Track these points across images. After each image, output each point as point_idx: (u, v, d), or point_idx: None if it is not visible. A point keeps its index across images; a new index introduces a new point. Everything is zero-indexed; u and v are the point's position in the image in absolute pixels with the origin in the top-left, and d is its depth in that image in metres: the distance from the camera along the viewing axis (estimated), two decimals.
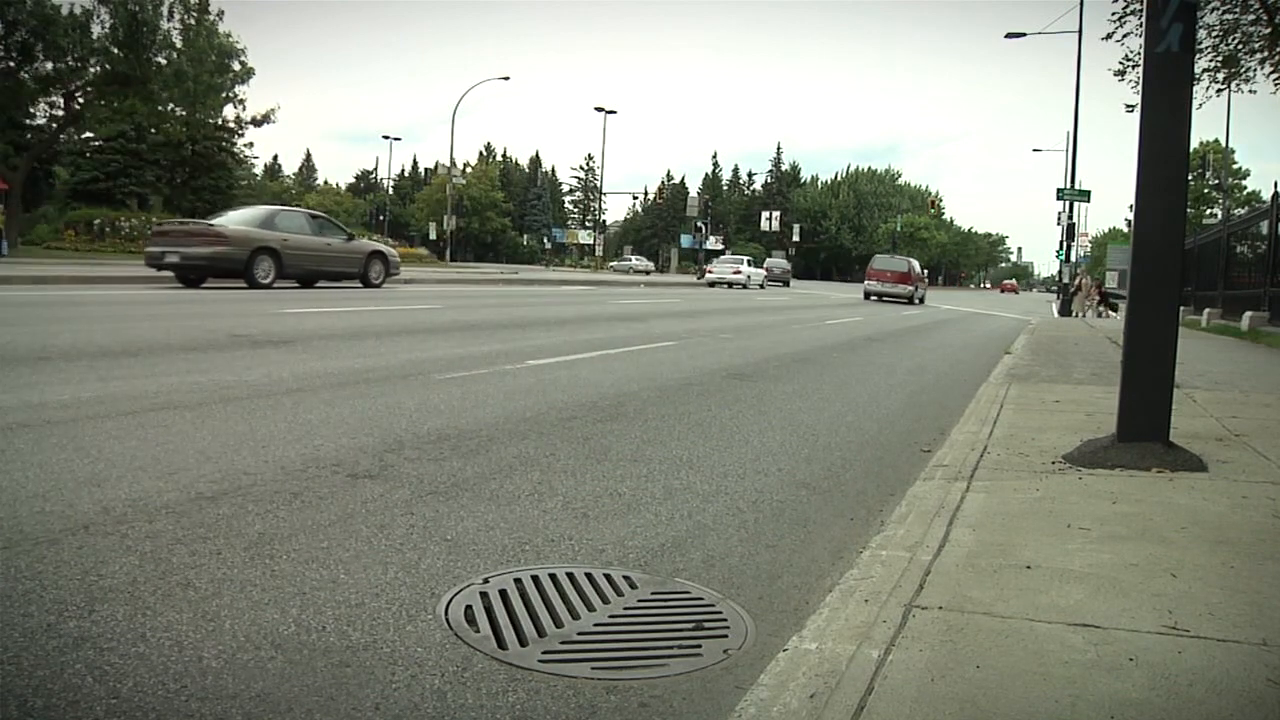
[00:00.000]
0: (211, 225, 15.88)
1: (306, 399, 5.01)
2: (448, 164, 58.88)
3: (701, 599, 2.49)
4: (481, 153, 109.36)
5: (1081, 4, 26.99)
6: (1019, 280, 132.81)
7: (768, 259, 63.16)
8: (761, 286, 39.75)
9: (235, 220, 16.37)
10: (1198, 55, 16.93)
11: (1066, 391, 6.59)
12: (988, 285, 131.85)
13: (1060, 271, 33.97)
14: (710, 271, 40.79)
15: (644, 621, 2.31)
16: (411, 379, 5.97)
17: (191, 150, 50.07)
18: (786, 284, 48.84)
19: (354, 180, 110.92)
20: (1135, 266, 3.97)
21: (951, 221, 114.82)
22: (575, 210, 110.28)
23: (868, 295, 31.99)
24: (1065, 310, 28.73)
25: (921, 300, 32.25)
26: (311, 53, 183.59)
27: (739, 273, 39.18)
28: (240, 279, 15.19)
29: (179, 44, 35.81)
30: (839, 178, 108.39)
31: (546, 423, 4.78)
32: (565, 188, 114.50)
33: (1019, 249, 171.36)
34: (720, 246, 78.36)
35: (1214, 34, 17.92)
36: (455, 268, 42.89)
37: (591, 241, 78.77)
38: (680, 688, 1.99)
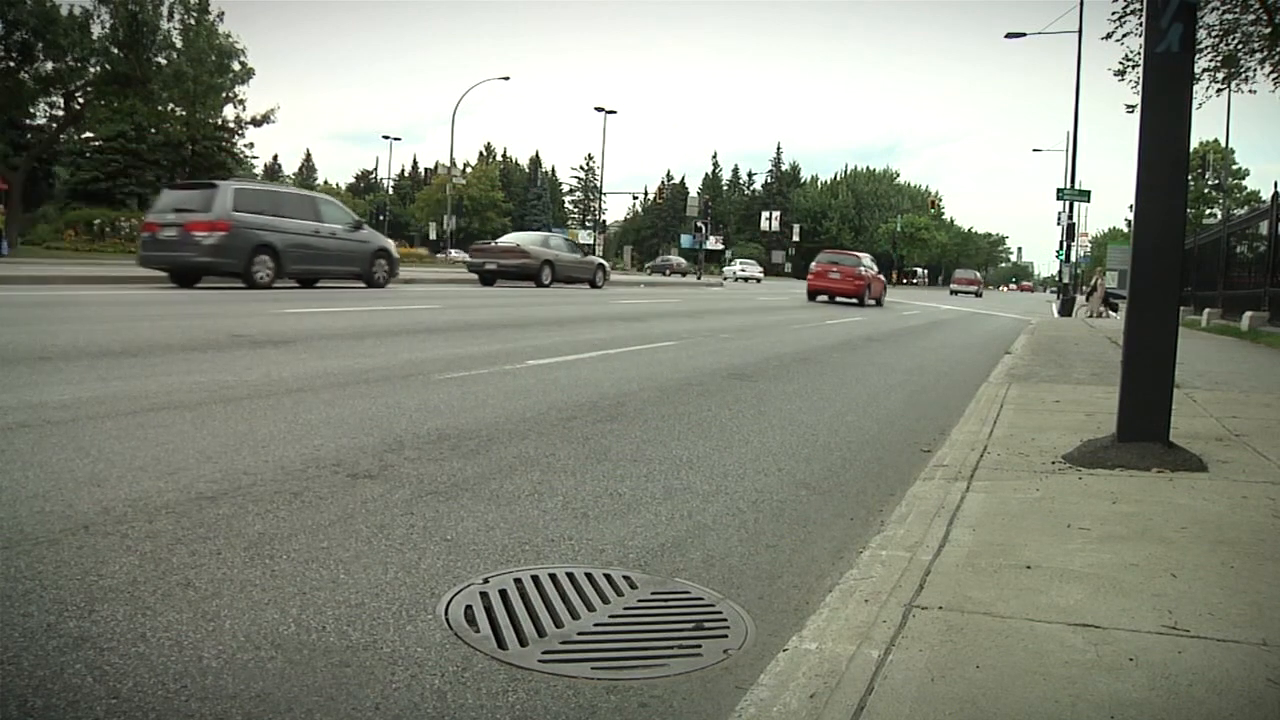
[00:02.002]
0: (519, 245, 23.43)
1: (306, 399, 5.01)
2: (448, 164, 58.94)
3: (701, 599, 2.49)
4: (481, 153, 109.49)
5: (1081, 4, 26.96)
6: (1019, 280, 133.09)
7: (738, 261, 64.97)
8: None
9: (524, 240, 24.42)
10: (1198, 55, 16.93)
11: (1066, 391, 6.59)
12: (1013, 285, 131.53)
13: (1060, 271, 33.97)
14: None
15: (644, 621, 2.31)
16: (412, 379, 5.97)
17: (191, 150, 50.06)
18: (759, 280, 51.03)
19: (354, 180, 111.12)
20: (1135, 266, 3.97)
21: (952, 221, 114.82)
22: (575, 210, 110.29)
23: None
24: (1065, 310, 28.72)
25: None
26: (311, 53, 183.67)
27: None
28: (530, 281, 22.58)
29: (179, 44, 35.84)
30: (838, 177, 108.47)
31: (547, 423, 4.78)
32: (565, 188, 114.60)
33: (1019, 249, 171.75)
34: (720, 246, 78.56)
35: (1214, 34, 17.92)
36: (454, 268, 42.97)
37: (591, 241, 78.78)
38: (680, 688, 1.99)
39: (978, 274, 63.96)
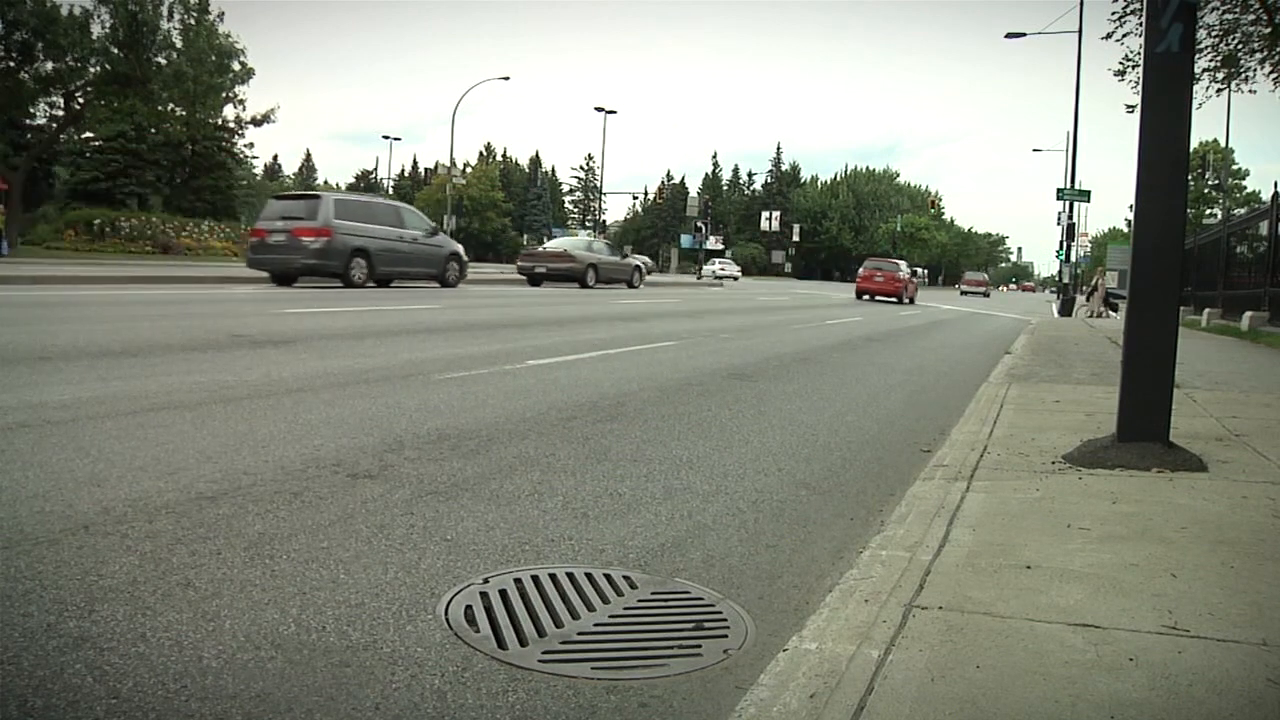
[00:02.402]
0: (566, 250, 25.35)
1: (306, 399, 5.01)
2: (448, 164, 58.88)
3: (701, 599, 2.49)
4: (481, 153, 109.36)
5: (1081, 4, 26.96)
6: (1020, 280, 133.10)
7: (716, 261, 65.44)
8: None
9: (569, 245, 26.67)
10: (1198, 55, 16.93)
11: (1066, 391, 6.60)
12: (1014, 285, 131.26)
13: (1060, 271, 33.96)
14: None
15: (644, 621, 2.31)
16: (412, 379, 5.97)
17: (191, 150, 50.10)
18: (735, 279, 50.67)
19: (354, 180, 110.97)
20: (1135, 267, 3.97)
21: (952, 221, 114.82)
22: (575, 210, 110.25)
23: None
24: (1065, 310, 28.71)
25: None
26: (311, 53, 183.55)
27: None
28: (576, 283, 24.38)
29: (179, 44, 35.84)
30: (838, 177, 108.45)
31: (547, 423, 4.78)
32: (565, 188, 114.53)
33: (1019, 249, 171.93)
34: (720, 246, 78.54)
35: (1214, 34, 17.92)
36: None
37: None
38: (680, 688, 1.99)
39: (985, 275, 71.91)
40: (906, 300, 30.64)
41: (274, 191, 76.87)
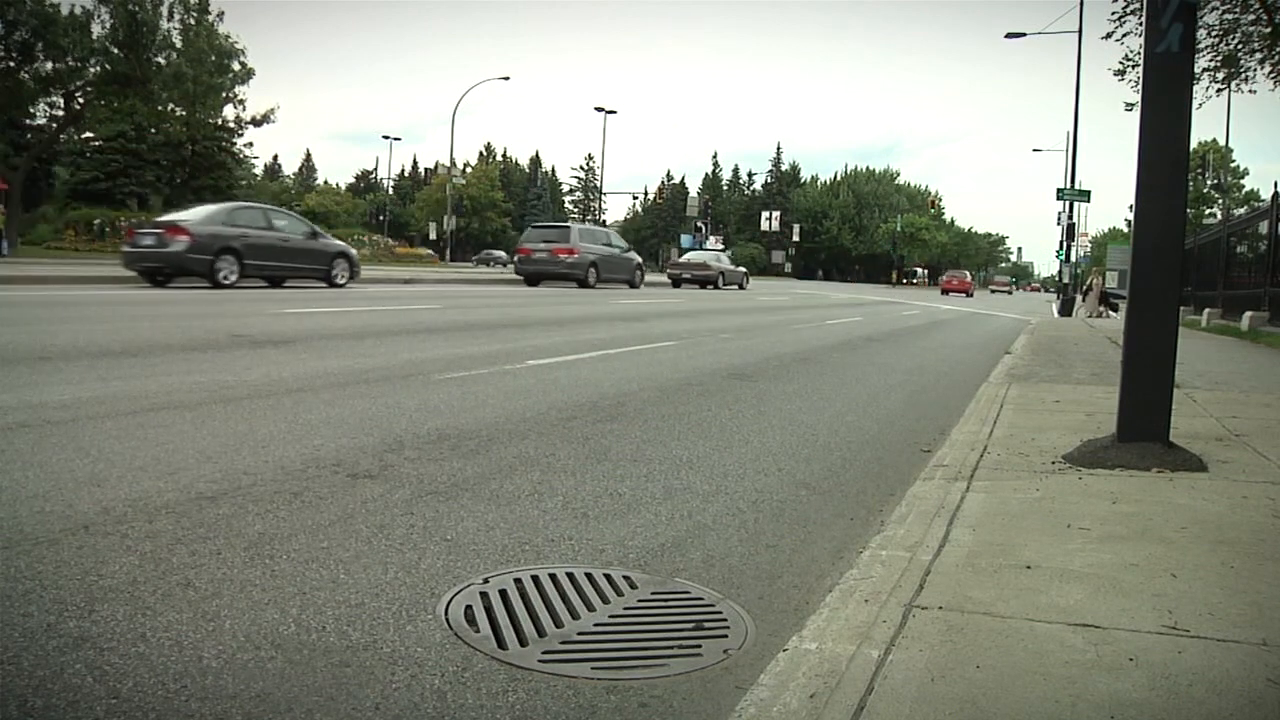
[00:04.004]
0: (705, 262, 32.72)
1: (306, 399, 5.01)
2: (448, 164, 58.88)
3: (701, 599, 2.49)
4: (481, 153, 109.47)
5: (1081, 4, 26.99)
6: (1019, 280, 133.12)
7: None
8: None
9: (707, 258, 33.89)
10: (1198, 55, 16.93)
11: (1066, 391, 6.59)
12: (1034, 285, 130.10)
13: (1060, 271, 33.95)
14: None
15: (644, 621, 2.31)
16: (411, 379, 5.97)
17: (191, 150, 50.10)
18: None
19: (354, 180, 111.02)
20: (1135, 267, 3.96)
21: (952, 221, 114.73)
22: (575, 210, 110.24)
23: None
24: (1065, 310, 28.71)
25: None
26: (311, 53, 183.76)
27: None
28: (711, 285, 30.97)
29: (179, 44, 35.81)
30: (838, 177, 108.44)
31: (546, 423, 4.78)
32: (565, 188, 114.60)
33: (1019, 249, 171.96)
34: (720, 246, 78.49)
35: (1214, 34, 17.92)
36: (453, 268, 43.05)
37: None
38: (680, 688, 1.99)
39: (1009, 277, 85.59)
40: (971, 295, 47.45)
41: (273, 192, 76.99)
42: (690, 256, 36.08)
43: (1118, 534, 2.87)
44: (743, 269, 36.68)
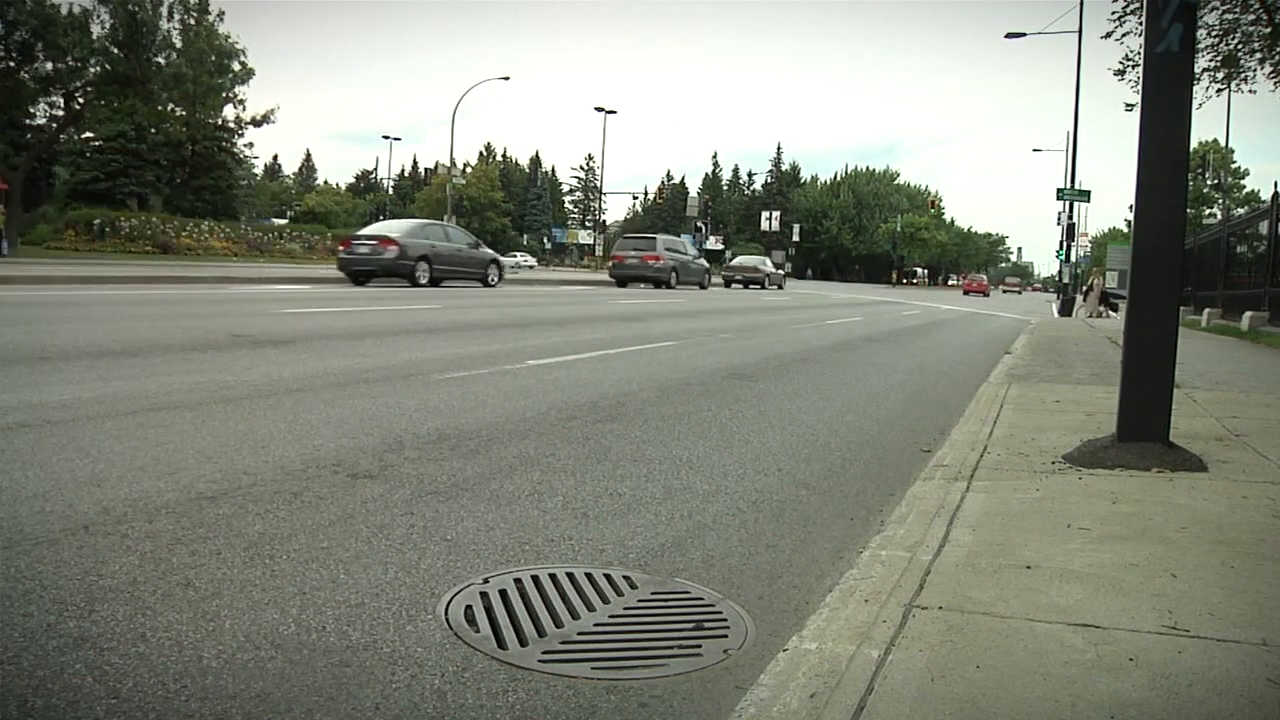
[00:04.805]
0: (755, 265, 38.47)
1: (306, 399, 5.01)
2: (448, 164, 58.87)
3: (701, 599, 2.49)
4: (481, 153, 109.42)
5: (1081, 4, 26.96)
6: (1021, 279, 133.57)
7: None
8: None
9: (756, 262, 39.63)
10: (1198, 55, 16.92)
11: (1066, 391, 6.59)
12: (1036, 285, 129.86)
13: (1060, 271, 33.94)
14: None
15: (644, 621, 2.31)
16: (411, 379, 5.97)
17: (191, 150, 50.12)
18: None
19: (354, 180, 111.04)
20: (1135, 267, 3.96)
21: (952, 221, 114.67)
22: (575, 210, 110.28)
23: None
24: (1065, 310, 28.71)
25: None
26: (311, 53, 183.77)
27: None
28: (758, 285, 36.41)
29: (179, 44, 35.79)
30: (839, 177, 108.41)
31: (547, 423, 4.78)
32: (565, 188, 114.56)
33: (1019, 249, 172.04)
34: (720, 246, 78.52)
35: (1214, 34, 17.92)
36: None
37: (591, 241, 78.74)
38: (680, 688, 1.99)
39: (1020, 279, 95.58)
40: (987, 296, 51.46)
41: (274, 192, 76.79)
42: (741, 260, 41.59)
43: (1118, 534, 2.87)
44: (781, 271, 42.95)
